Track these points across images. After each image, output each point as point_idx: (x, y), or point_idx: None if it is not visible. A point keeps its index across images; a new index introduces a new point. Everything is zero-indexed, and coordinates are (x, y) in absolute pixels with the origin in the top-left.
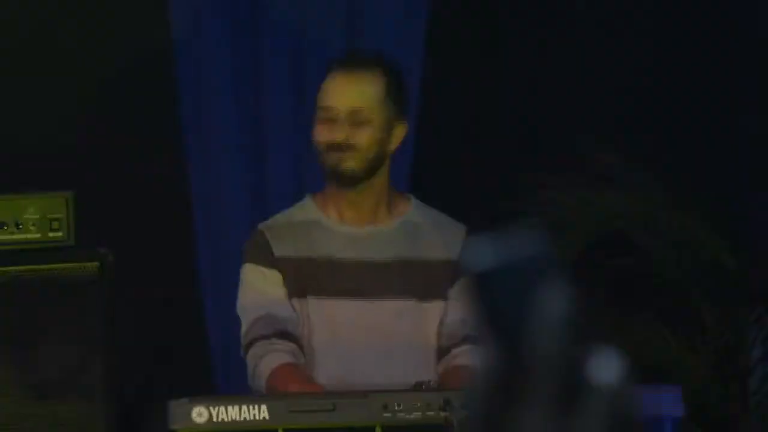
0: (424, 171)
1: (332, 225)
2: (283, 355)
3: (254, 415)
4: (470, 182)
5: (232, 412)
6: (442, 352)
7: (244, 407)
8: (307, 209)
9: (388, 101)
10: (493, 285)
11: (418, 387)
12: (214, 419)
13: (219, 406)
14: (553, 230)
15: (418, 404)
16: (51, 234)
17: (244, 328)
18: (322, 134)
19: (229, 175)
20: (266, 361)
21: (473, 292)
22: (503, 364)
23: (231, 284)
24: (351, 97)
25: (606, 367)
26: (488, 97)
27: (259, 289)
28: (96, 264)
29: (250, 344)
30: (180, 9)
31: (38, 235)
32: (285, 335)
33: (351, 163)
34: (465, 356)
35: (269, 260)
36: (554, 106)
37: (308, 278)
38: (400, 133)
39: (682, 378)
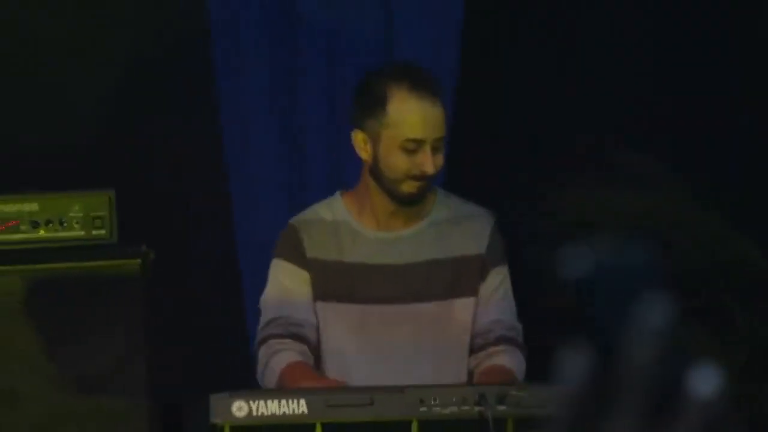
0: (452, 172)
1: (363, 230)
2: (294, 354)
3: (293, 409)
4: (495, 183)
5: (271, 406)
6: (476, 348)
7: (283, 401)
8: (337, 209)
9: (447, 119)
10: (592, 294)
11: None
12: (254, 413)
13: (258, 400)
14: (578, 230)
15: (454, 399)
16: (94, 232)
17: (261, 324)
18: (407, 165)
19: (267, 173)
20: (277, 359)
21: (571, 300)
22: (597, 372)
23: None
24: (436, 127)
25: (701, 381)
26: (514, 98)
27: (284, 287)
28: (137, 261)
29: (263, 341)
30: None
31: (82, 233)
32: (298, 337)
33: (426, 189)
34: (501, 356)
35: (300, 260)
36: (580, 108)
37: (338, 282)
38: None
39: None
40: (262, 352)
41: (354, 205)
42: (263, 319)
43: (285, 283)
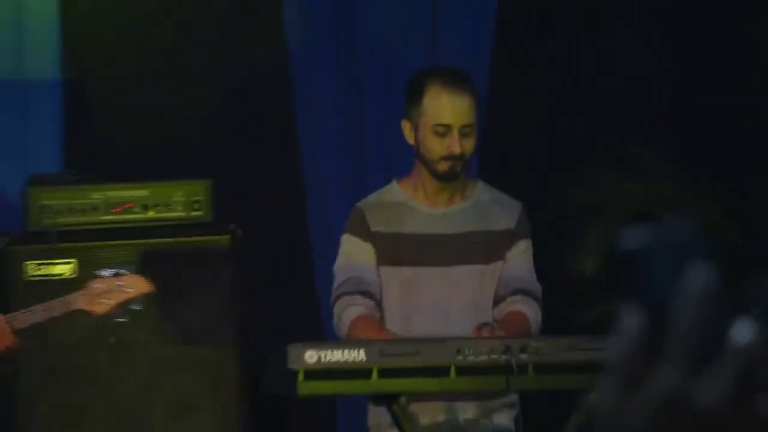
0: (479, 167)
1: (419, 206)
2: (362, 309)
3: (354, 357)
4: (513, 175)
5: (337, 354)
6: (498, 299)
7: (346, 351)
8: (395, 193)
9: (477, 111)
10: (645, 263)
11: (482, 326)
12: (323, 360)
13: (326, 349)
14: (591, 215)
15: (485, 349)
16: (193, 213)
17: (335, 284)
18: (439, 147)
19: (334, 167)
20: (348, 313)
21: (624, 270)
22: (648, 327)
23: (336, 252)
24: (462, 115)
25: (742, 333)
26: (532, 100)
27: (353, 255)
28: (228, 237)
29: (338, 298)
30: (293, 17)
31: (183, 214)
32: (366, 294)
33: (459, 168)
34: (518, 304)
35: (366, 234)
36: (592, 107)
37: (397, 249)
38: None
39: None
40: (336, 308)
41: (409, 188)
42: (336, 281)
43: (353, 253)
